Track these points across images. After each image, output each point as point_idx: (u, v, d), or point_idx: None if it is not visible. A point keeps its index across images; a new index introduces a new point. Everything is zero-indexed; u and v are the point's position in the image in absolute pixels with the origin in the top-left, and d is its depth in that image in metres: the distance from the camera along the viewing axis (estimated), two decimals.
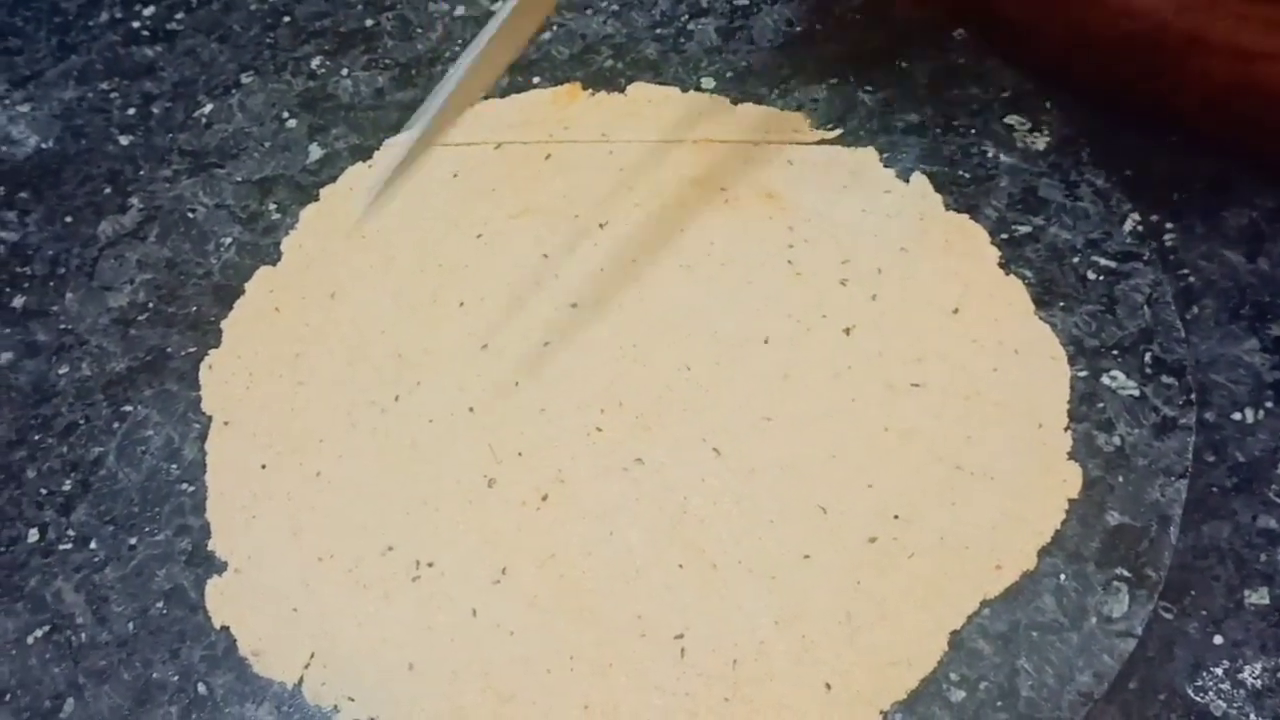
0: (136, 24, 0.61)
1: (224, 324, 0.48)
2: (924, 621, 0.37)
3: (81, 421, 0.46)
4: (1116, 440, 0.41)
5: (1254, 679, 0.37)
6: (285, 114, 0.55)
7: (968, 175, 0.48)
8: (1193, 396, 0.41)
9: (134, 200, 0.53)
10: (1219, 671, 0.37)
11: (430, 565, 0.40)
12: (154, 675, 0.39)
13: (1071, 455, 0.40)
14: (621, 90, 0.53)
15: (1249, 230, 0.46)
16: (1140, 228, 0.46)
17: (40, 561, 0.42)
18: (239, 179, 0.53)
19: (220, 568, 0.41)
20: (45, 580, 0.42)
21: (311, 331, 0.47)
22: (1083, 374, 0.42)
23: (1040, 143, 0.48)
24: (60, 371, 0.47)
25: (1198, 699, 0.36)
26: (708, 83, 0.52)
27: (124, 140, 0.55)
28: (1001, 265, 0.45)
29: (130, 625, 0.41)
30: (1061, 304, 0.44)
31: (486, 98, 0.53)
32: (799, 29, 0.54)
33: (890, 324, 0.44)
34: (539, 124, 0.52)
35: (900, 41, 0.53)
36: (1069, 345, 0.43)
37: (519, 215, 0.49)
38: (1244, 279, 0.45)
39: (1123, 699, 0.36)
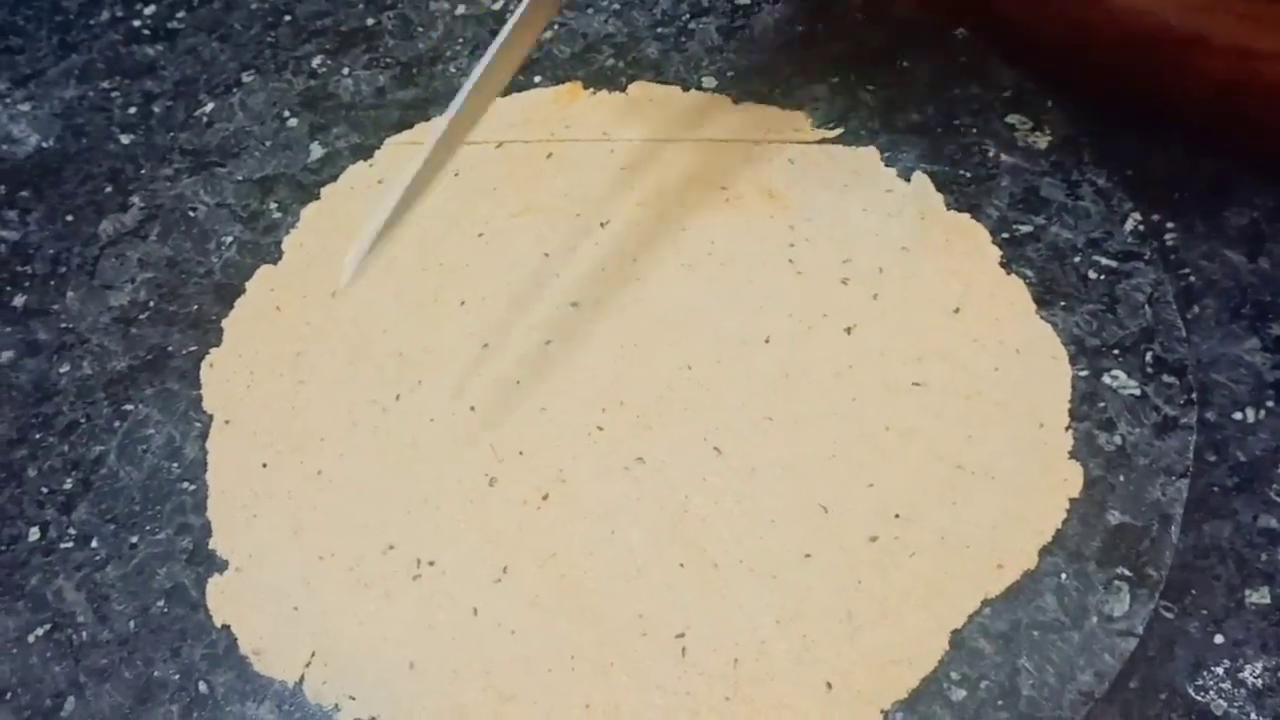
0: (137, 23, 0.61)
1: (225, 323, 0.48)
2: (925, 620, 0.37)
3: (82, 420, 0.46)
4: (1118, 439, 0.41)
5: (1255, 678, 0.37)
6: (286, 113, 0.55)
7: (969, 174, 0.48)
8: (1194, 396, 0.41)
9: (135, 199, 0.53)
10: (1220, 671, 0.37)
11: (431, 564, 0.40)
12: (155, 674, 0.40)
13: (1072, 454, 0.40)
14: (623, 89, 0.53)
15: (1250, 230, 0.46)
16: (1141, 227, 0.46)
17: (41, 560, 0.42)
18: (240, 178, 0.53)
19: (221, 566, 0.41)
20: (46, 579, 0.42)
21: (312, 330, 0.47)
22: (1084, 373, 0.42)
23: (1041, 142, 0.48)
24: (61, 370, 0.47)
25: (1198, 698, 0.36)
26: (709, 82, 0.52)
27: (125, 139, 0.55)
28: (1003, 264, 0.45)
29: (131, 624, 0.41)
30: (1062, 303, 0.44)
31: None
32: (800, 28, 0.54)
33: (891, 323, 0.44)
34: (540, 123, 0.52)
35: (901, 41, 0.53)
36: (1070, 344, 0.43)
37: (520, 214, 0.49)
38: (1245, 278, 0.45)
39: (1124, 698, 0.36)
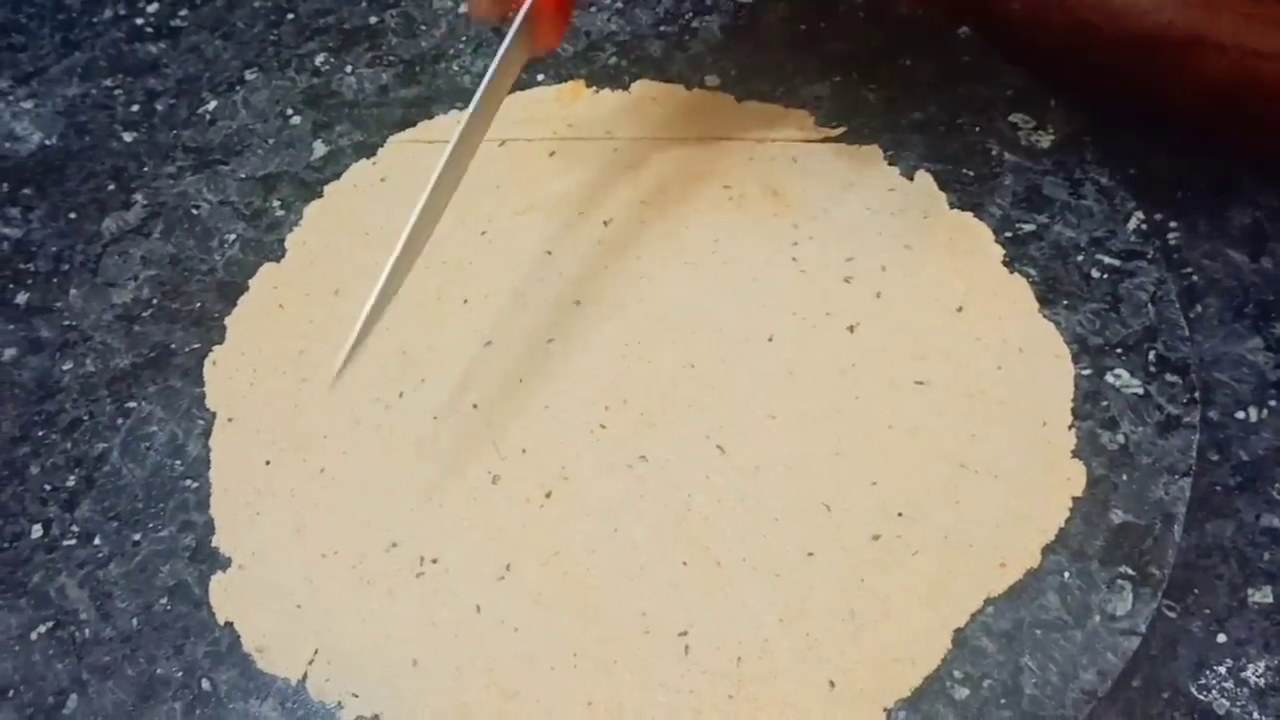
0: (140, 21, 0.61)
1: (228, 320, 0.48)
2: (928, 619, 0.37)
3: (85, 418, 0.46)
4: (1120, 438, 0.41)
5: (1257, 677, 0.37)
6: (289, 111, 0.55)
7: (972, 173, 0.48)
8: (1196, 395, 0.41)
9: (138, 197, 0.53)
10: (1222, 670, 0.37)
11: (434, 562, 0.40)
12: (158, 671, 0.40)
13: (1075, 453, 0.40)
14: (626, 87, 0.53)
15: (1252, 229, 0.46)
16: (1144, 226, 0.46)
17: (44, 557, 0.43)
18: (243, 175, 0.53)
19: (224, 564, 0.41)
20: (49, 576, 0.42)
21: (315, 328, 0.47)
22: (1086, 372, 0.42)
23: (1044, 141, 0.49)
24: (64, 368, 0.47)
25: (1201, 697, 0.36)
26: (712, 80, 0.52)
27: (128, 137, 0.56)
28: (1005, 263, 0.45)
29: (134, 621, 0.41)
30: (1065, 302, 0.44)
31: None
32: (803, 27, 0.54)
33: (894, 322, 0.44)
34: (543, 121, 0.52)
35: (904, 40, 0.53)
36: (1073, 343, 0.43)
37: (523, 212, 0.49)
38: (1247, 278, 0.45)
39: (1126, 697, 0.36)
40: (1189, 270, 0.45)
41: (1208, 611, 0.38)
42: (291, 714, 0.38)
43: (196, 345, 0.47)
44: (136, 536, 0.42)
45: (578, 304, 0.46)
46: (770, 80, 0.52)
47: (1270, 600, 0.38)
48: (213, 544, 0.42)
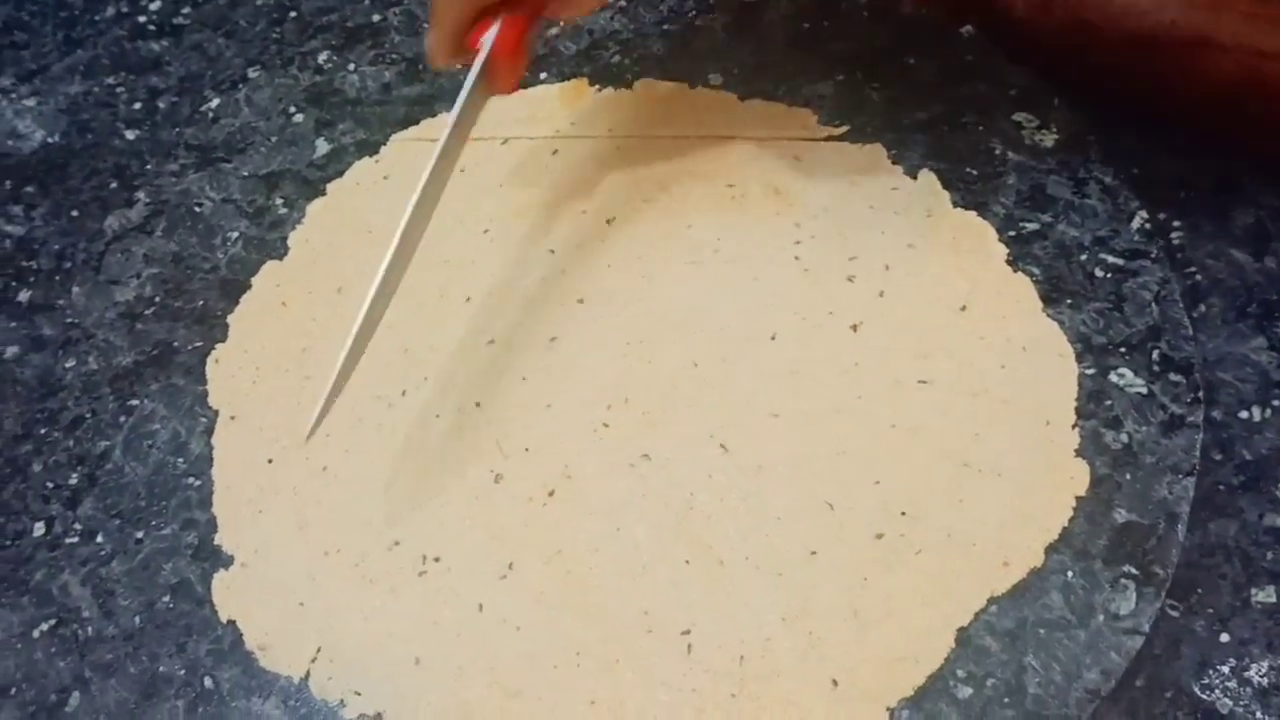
0: (143, 19, 0.61)
1: (230, 318, 0.48)
2: (931, 618, 0.37)
3: (88, 415, 0.46)
4: (1124, 438, 0.41)
5: (1260, 677, 0.37)
6: (292, 109, 0.55)
7: (975, 172, 0.48)
8: (1200, 394, 0.41)
9: (140, 194, 0.53)
10: (1225, 669, 0.37)
11: (437, 560, 0.40)
12: (160, 669, 0.40)
13: (1079, 453, 0.40)
14: (629, 86, 0.53)
15: (1256, 229, 0.46)
16: (1148, 226, 0.46)
17: (46, 555, 0.43)
18: (246, 174, 0.53)
19: (227, 562, 0.41)
20: (51, 574, 0.42)
21: (318, 326, 0.47)
22: (1090, 371, 0.42)
23: (1048, 140, 0.48)
24: (67, 365, 0.47)
25: (1204, 697, 0.36)
26: (715, 79, 0.52)
27: (130, 135, 0.56)
28: (1009, 262, 0.45)
29: (137, 619, 0.41)
30: (1069, 301, 0.44)
31: None
32: (806, 26, 0.54)
33: (897, 320, 0.44)
34: (546, 119, 0.52)
35: (907, 39, 0.53)
36: (1077, 342, 0.43)
37: (526, 211, 0.49)
38: (1251, 277, 0.45)
39: (1130, 696, 0.36)
40: (1192, 270, 0.45)
41: (1211, 611, 0.38)
42: (294, 712, 0.38)
43: (199, 343, 0.47)
44: (139, 534, 0.42)
45: (580, 302, 0.46)
46: (773, 79, 0.52)
47: (1273, 600, 0.38)
48: (215, 542, 0.42)
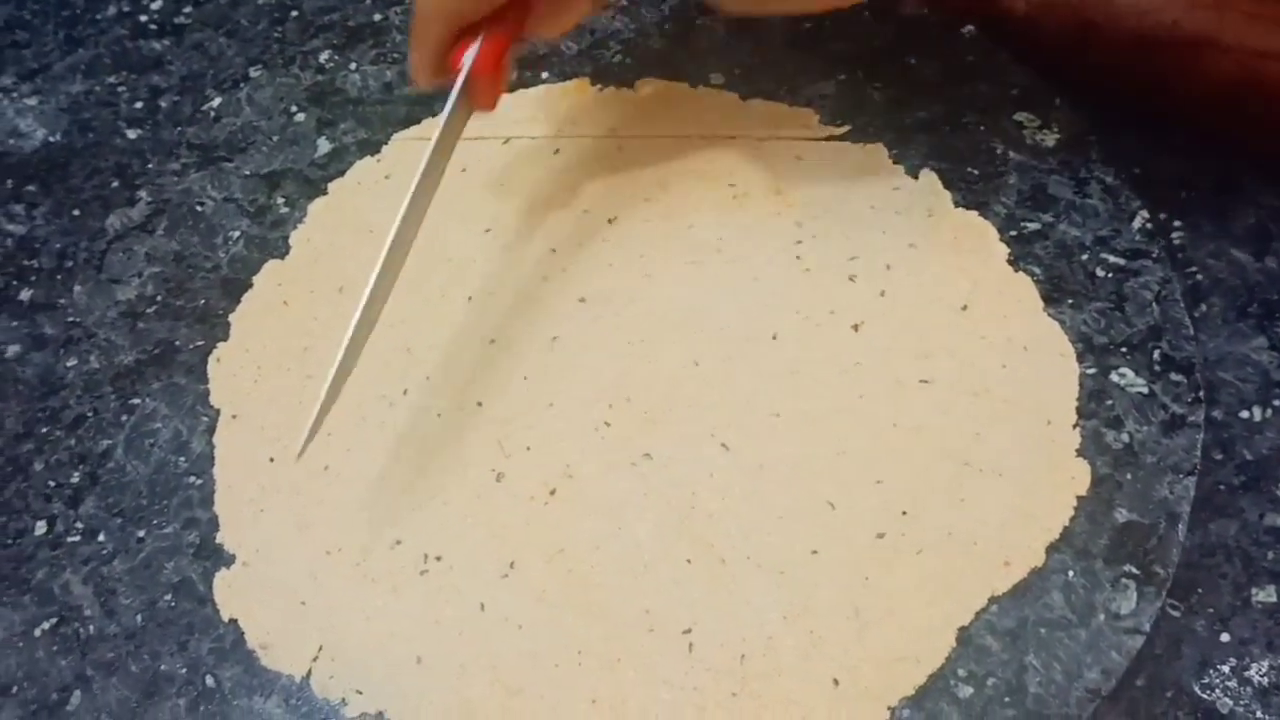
0: (144, 18, 0.61)
1: (232, 317, 0.48)
2: (932, 618, 0.37)
3: (89, 414, 0.46)
4: (1125, 437, 0.41)
5: (1261, 676, 0.37)
6: (293, 108, 0.55)
7: (977, 172, 0.48)
8: (1201, 394, 0.41)
9: (142, 193, 0.53)
10: (1226, 669, 0.37)
11: (438, 559, 0.40)
12: (162, 668, 0.40)
13: (1080, 452, 0.40)
14: (630, 86, 0.53)
15: (1257, 229, 0.46)
16: (1149, 225, 0.46)
17: (48, 554, 0.43)
18: (247, 173, 0.53)
19: (228, 561, 0.41)
20: (53, 573, 0.42)
21: (320, 325, 0.47)
22: (1091, 371, 0.42)
23: (1049, 140, 0.48)
24: (68, 364, 0.47)
25: (1205, 696, 0.36)
26: (716, 78, 0.52)
27: (132, 134, 0.56)
28: (1010, 262, 0.45)
29: (138, 618, 0.41)
30: (1070, 301, 0.44)
31: None
32: (807, 26, 0.54)
33: (899, 320, 0.44)
34: (547, 119, 0.52)
35: (909, 39, 0.53)
36: (1078, 342, 0.43)
37: (527, 210, 0.49)
38: (1252, 277, 0.45)
39: (1130, 696, 0.36)
40: (1193, 270, 0.45)
41: (1211, 611, 0.38)
42: (295, 711, 0.38)
43: (201, 342, 0.47)
44: (141, 533, 0.42)
45: (582, 302, 0.46)
46: (775, 79, 0.52)
47: (1274, 599, 0.38)
48: (217, 541, 0.42)
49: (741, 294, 0.45)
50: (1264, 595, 0.38)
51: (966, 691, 0.36)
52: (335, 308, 0.47)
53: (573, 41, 0.55)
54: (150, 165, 0.54)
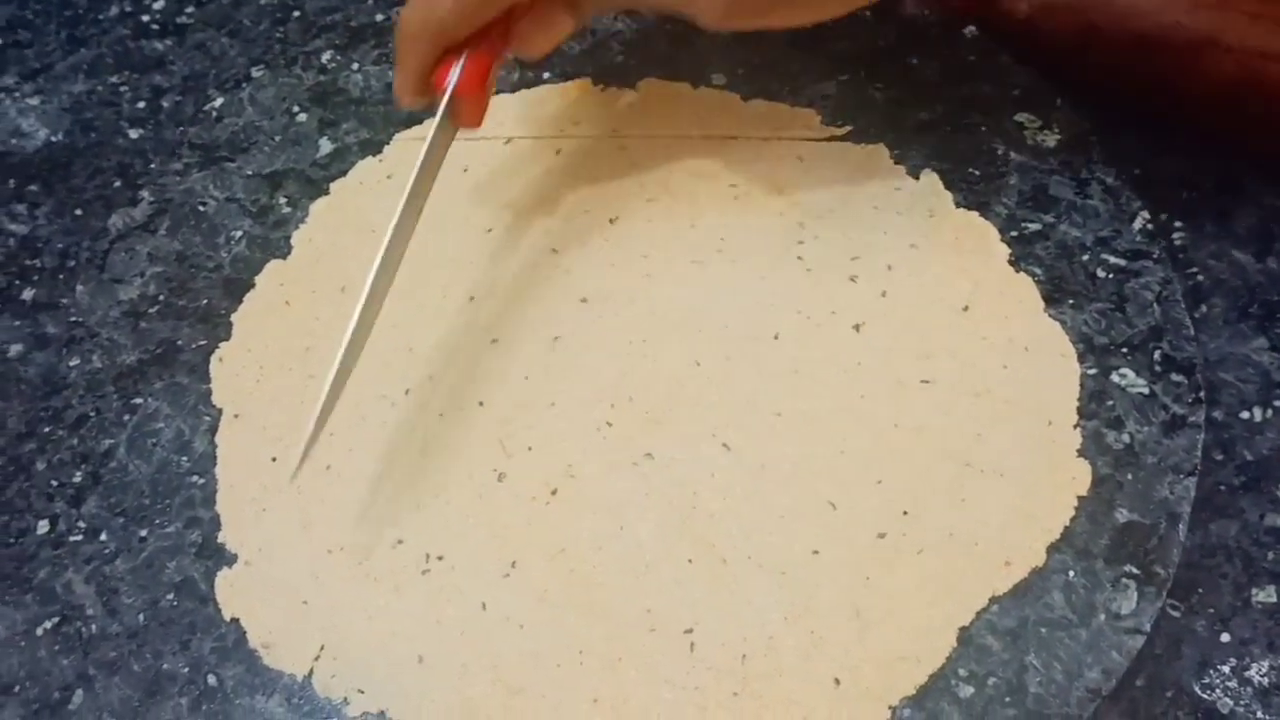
0: (146, 18, 0.61)
1: (234, 317, 0.48)
2: (933, 617, 0.38)
3: (92, 414, 0.46)
4: (1126, 438, 0.41)
5: (1261, 676, 0.37)
6: (296, 108, 0.55)
7: (978, 172, 0.48)
8: (1202, 395, 0.41)
9: (144, 193, 0.53)
10: (1226, 669, 0.37)
11: (440, 559, 0.40)
12: (164, 667, 0.40)
13: (1081, 452, 0.40)
14: (632, 86, 0.53)
15: (1258, 230, 0.46)
16: (1150, 226, 0.46)
17: (50, 553, 0.43)
18: (249, 173, 0.53)
19: (230, 560, 0.42)
20: (55, 572, 0.42)
21: (322, 325, 0.47)
22: (1092, 371, 0.42)
23: (1050, 140, 0.49)
24: (71, 364, 0.47)
25: (1205, 696, 0.36)
26: (718, 79, 0.52)
27: (134, 134, 0.56)
28: (1011, 262, 0.45)
29: (140, 617, 0.41)
30: (1071, 301, 0.44)
31: (497, 92, 0.53)
32: (809, 26, 0.54)
33: (900, 320, 0.44)
34: (549, 119, 0.52)
35: (910, 39, 0.53)
36: (1079, 343, 0.43)
37: (529, 210, 0.49)
38: (1253, 278, 0.45)
39: (1130, 696, 0.36)
40: (1194, 270, 0.45)
41: (1212, 611, 0.38)
42: (297, 709, 0.38)
43: (203, 342, 0.47)
44: (143, 532, 0.43)
45: (584, 302, 0.46)
46: (776, 79, 0.52)
47: (1274, 600, 0.38)
48: (219, 540, 0.42)
49: (743, 294, 0.45)
50: (1264, 595, 0.38)
51: (967, 691, 0.36)
52: (337, 308, 0.47)
53: (575, 42, 0.55)
54: (152, 165, 0.54)
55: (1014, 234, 0.46)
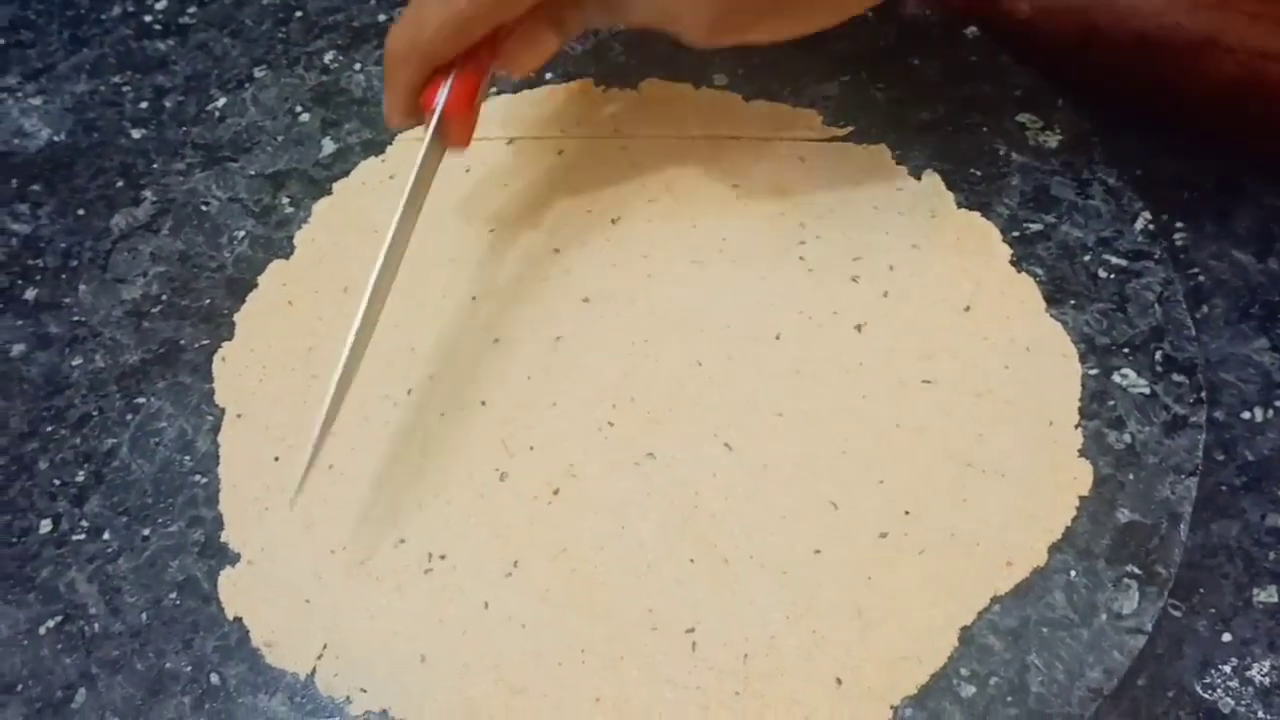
0: (149, 18, 0.61)
1: (237, 317, 0.48)
2: (934, 617, 0.38)
3: (94, 413, 0.46)
4: (1127, 438, 0.41)
5: (1262, 676, 0.37)
6: (298, 108, 0.55)
7: (979, 173, 0.48)
8: (1203, 395, 0.41)
9: (147, 193, 0.53)
10: (1227, 669, 0.37)
11: (442, 558, 0.41)
12: (167, 666, 0.40)
13: (1082, 453, 0.40)
14: (634, 86, 0.53)
15: (1259, 230, 0.46)
16: (1151, 227, 0.46)
17: (53, 552, 0.43)
18: (252, 172, 0.53)
19: (233, 559, 0.42)
20: (58, 571, 0.42)
21: (324, 325, 0.47)
22: (1094, 372, 0.42)
23: (1052, 141, 0.49)
24: (73, 363, 0.48)
25: (1206, 696, 0.37)
26: (720, 79, 0.52)
27: (136, 134, 0.56)
28: (1013, 263, 0.45)
29: (143, 616, 0.41)
30: (1073, 302, 0.44)
31: (499, 92, 0.53)
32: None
33: (901, 321, 0.44)
34: (551, 119, 0.52)
35: (912, 40, 0.53)
36: (1080, 343, 0.43)
37: (531, 210, 0.49)
38: (1254, 278, 0.45)
39: (1132, 695, 0.36)
40: (1195, 271, 0.45)
41: (1213, 611, 0.38)
42: (300, 708, 0.38)
43: (205, 341, 0.47)
44: (146, 532, 0.43)
45: (586, 302, 0.46)
46: (778, 79, 0.52)
47: (1275, 600, 0.38)
48: (222, 539, 0.42)
49: (744, 294, 0.45)
50: (1265, 596, 0.38)
51: (969, 691, 0.36)
52: (339, 307, 0.47)
53: (577, 42, 0.55)
54: (155, 165, 0.54)
55: (1015, 234, 0.46)
